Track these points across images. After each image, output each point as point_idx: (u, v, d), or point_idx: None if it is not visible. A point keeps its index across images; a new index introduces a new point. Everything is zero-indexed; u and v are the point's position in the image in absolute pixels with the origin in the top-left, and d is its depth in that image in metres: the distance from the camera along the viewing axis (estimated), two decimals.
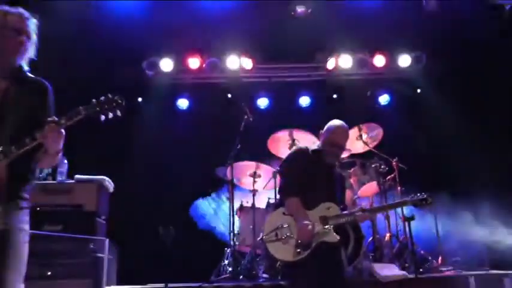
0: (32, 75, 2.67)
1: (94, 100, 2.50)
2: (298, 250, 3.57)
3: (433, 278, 5.06)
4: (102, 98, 2.53)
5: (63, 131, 2.45)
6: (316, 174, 3.91)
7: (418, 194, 3.93)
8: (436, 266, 5.54)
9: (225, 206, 6.62)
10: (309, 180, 3.84)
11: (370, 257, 5.31)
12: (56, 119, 2.43)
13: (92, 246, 4.59)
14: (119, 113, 2.54)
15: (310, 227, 3.61)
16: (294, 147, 4.30)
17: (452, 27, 6.65)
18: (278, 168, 4.13)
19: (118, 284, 5.34)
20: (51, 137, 2.41)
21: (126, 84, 7.37)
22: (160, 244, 4.84)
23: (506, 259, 5.69)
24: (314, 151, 4.03)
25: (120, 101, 2.53)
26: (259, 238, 3.70)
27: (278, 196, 3.97)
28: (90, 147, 6.87)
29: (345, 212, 3.88)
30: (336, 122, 4.04)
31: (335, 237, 3.67)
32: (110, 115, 2.52)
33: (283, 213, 3.76)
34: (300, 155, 4.04)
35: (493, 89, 7.39)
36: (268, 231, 3.70)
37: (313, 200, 3.79)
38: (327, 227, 3.69)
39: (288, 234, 3.65)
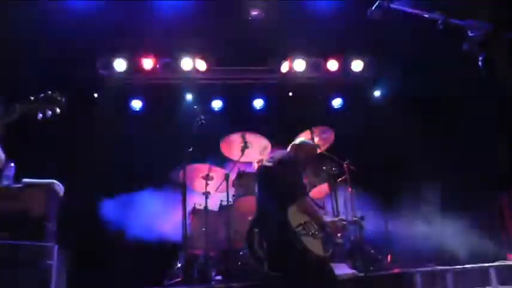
0: None
1: (32, 97, 2.42)
2: (326, 247, 3.72)
3: (382, 275, 5.21)
4: (41, 94, 2.44)
5: None
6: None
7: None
8: (386, 264, 5.71)
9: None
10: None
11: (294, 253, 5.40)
12: None
13: (40, 252, 4.44)
14: (58, 110, 2.47)
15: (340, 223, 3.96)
16: (291, 153, 4.34)
17: (399, 34, 6.85)
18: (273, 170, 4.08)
19: None
20: None
21: (79, 84, 7.20)
22: (112, 250, 4.76)
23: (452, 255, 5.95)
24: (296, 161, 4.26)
25: (59, 98, 2.46)
26: (292, 231, 3.62)
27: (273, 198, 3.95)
28: (39, 149, 6.65)
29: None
30: (306, 142, 4.52)
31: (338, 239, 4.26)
32: (48, 113, 2.44)
33: (299, 212, 3.79)
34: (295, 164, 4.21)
35: (443, 91, 7.66)
36: (296, 225, 3.67)
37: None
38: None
39: (314, 230, 3.73)
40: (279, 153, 4.29)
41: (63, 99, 2.48)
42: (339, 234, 4.10)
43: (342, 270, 4.95)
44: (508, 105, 1.81)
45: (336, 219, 4.11)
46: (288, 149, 4.38)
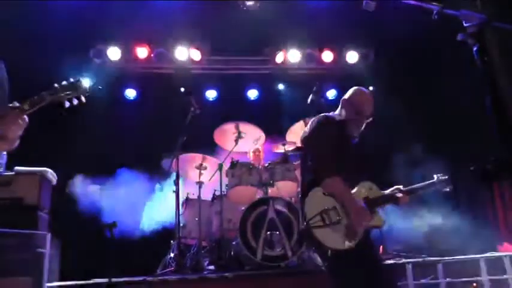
0: None
1: (56, 85, 2.39)
2: (350, 237, 3.03)
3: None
4: (65, 82, 2.40)
5: (26, 117, 2.36)
6: (349, 149, 3.37)
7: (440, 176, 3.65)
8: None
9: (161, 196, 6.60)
10: (344, 157, 3.24)
11: (314, 248, 5.43)
12: (18, 104, 2.33)
13: (33, 241, 4.44)
14: (83, 99, 2.43)
15: (367, 211, 3.12)
16: (319, 117, 3.43)
17: (394, 26, 6.84)
18: (305, 142, 3.37)
19: (61, 280, 5.18)
20: (14, 124, 2.32)
21: (72, 71, 7.12)
22: (104, 238, 4.74)
23: (442, 246, 5.99)
24: (340, 121, 3.44)
25: (85, 85, 2.42)
26: (303, 224, 3.10)
27: (309, 175, 3.30)
28: (32, 137, 6.59)
29: (387, 193, 3.41)
30: (360, 88, 3.52)
31: (380, 221, 3.23)
32: (75, 101, 2.42)
33: (324, 194, 3.15)
34: (329, 127, 3.37)
35: (435, 86, 7.69)
36: (312, 215, 3.10)
37: (350, 179, 3.22)
38: (376, 209, 3.23)
39: (338, 218, 3.08)
40: (321, 115, 3.47)
41: (90, 86, 2.45)
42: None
43: None
44: (499, 97, 1.81)
45: (393, 191, 3.43)
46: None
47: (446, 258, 4.94)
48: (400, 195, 3.40)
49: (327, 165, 3.18)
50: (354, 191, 3.23)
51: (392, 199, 3.39)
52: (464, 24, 1.97)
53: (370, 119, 3.47)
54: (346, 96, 3.50)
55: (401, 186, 3.46)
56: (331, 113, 3.48)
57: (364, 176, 3.33)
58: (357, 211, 3.07)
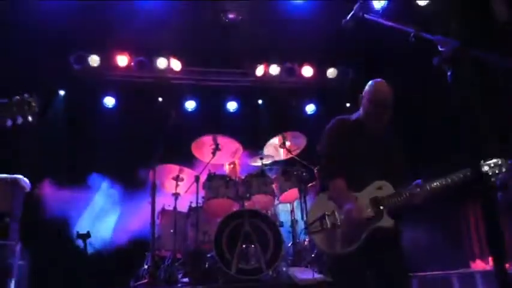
0: None
1: (6, 100, 2.26)
2: (347, 241, 3.00)
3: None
4: (15, 98, 2.25)
5: None
6: (363, 148, 3.25)
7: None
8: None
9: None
10: (354, 157, 3.21)
11: (289, 261, 5.44)
12: None
13: (2, 251, 4.33)
14: (30, 118, 2.26)
15: (356, 212, 2.99)
16: (333, 120, 3.44)
17: (375, 44, 6.95)
18: (317, 148, 3.36)
19: None
20: None
21: (51, 76, 7.06)
22: (77, 249, 4.66)
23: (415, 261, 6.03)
24: (356, 120, 3.38)
25: (33, 104, 2.27)
26: (303, 228, 3.32)
27: (320, 180, 3.51)
28: (4, 143, 6.48)
29: (400, 190, 3.14)
30: (374, 80, 3.39)
31: (389, 222, 3.03)
32: (19, 120, 2.26)
33: (329, 199, 3.17)
34: (340, 127, 3.37)
35: (414, 104, 7.78)
36: (312, 221, 3.14)
37: (361, 179, 3.16)
38: (381, 209, 3.06)
39: (333, 222, 3.08)
40: (334, 119, 3.46)
41: (37, 107, 2.27)
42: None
43: (309, 274, 4.97)
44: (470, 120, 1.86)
45: (410, 187, 3.12)
46: None
47: (420, 273, 4.99)
48: (416, 191, 3.08)
49: (328, 168, 3.25)
50: (361, 192, 3.13)
51: (402, 197, 3.09)
52: (440, 49, 2.01)
53: (390, 109, 3.28)
54: (363, 91, 3.40)
55: (419, 181, 3.13)
56: (352, 114, 3.45)
57: (375, 175, 3.17)
58: (345, 213, 3.00)
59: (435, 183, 3.10)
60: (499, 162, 3.02)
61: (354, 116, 3.40)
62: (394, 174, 3.19)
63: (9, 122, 2.24)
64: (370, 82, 3.37)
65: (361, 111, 3.36)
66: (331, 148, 3.29)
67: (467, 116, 1.93)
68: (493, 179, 3.01)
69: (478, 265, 5.93)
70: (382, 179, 3.16)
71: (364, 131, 3.29)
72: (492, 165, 3.01)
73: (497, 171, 3.01)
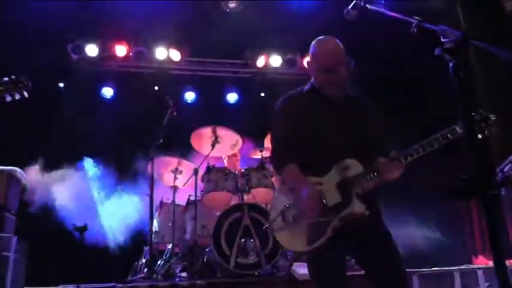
0: None
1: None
2: (313, 235, 2.54)
3: (349, 275, 5.18)
4: (6, 78, 2.45)
5: None
6: (322, 122, 2.73)
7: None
8: (353, 264, 5.70)
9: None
10: (313, 135, 2.70)
11: (289, 256, 5.37)
12: None
13: None
14: (25, 94, 2.46)
15: (313, 197, 2.55)
16: (280, 98, 2.95)
17: (376, 35, 6.84)
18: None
19: (26, 285, 5.00)
20: None
21: (49, 66, 6.98)
22: (74, 242, 4.61)
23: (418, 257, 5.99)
24: (309, 90, 2.88)
25: (26, 82, 2.46)
26: (264, 227, 2.88)
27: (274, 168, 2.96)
28: (2, 134, 6.42)
29: (370, 167, 2.61)
30: (319, 38, 2.89)
31: (360, 207, 2.54)
32: (17, 96, 2.44)
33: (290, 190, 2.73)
34: (289, 105, 2.87)
35: (414, 98, 7.69)
36: (275, 217, 2.69)
37: (325, 160, 2.65)
38: (349, 193, 2.57)
39: (295, 215, 2.62)
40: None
41: (30, 83, 2.48)
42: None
43: (306, 270, 4.89)
44: (472, 115, 1.79)
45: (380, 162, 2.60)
46: None
47: (422, 269, 4.92)
48: (388, 165, 2.58)
49: (278, 156, 2.82)
50: (326, 176, 2.64)
51: (373, 172, 2.59)
52: (442, 40, 1.94)
53: (344, 68, 2.81)
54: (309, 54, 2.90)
55: (393, 153, 2.63)
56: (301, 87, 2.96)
57: (340, 152, 2.66)
58: (303, 200, 2.57)
59: (412, 154, 2.59)
60: (489, 116, 2.51)
61: (306, 87, 2.90)
62: (369, 148, 2.70)
63: (8, 97, 2.45)
64: (313, 42, 2.87)
65: (311, 80, 2.90)
66: (280, 131, 2.82)
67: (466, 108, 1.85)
68: (480, 134, 2.57)
69: (481, 261, 5.86)
70: (353, 157, 2.64)
71: (321, 102, 2.78)
72: (479, 118, 2.51)
73: (484, 125, 2.51)
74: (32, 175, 6.17)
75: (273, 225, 2.69)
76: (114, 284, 4.67)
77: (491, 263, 5.49)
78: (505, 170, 4.94)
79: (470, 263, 5.73)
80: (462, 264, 5.02)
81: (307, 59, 2.94)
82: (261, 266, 4.84)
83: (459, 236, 6.62)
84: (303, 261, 5.27)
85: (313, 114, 2.75)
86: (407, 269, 4.90)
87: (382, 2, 2.53)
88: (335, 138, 2.68)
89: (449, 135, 2.58)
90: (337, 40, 2.86)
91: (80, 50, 7.88)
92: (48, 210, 6.24)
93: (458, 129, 2.56)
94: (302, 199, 2.58)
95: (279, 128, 2.83)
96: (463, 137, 2.16)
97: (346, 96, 2.86)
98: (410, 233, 6.46)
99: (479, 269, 4.79)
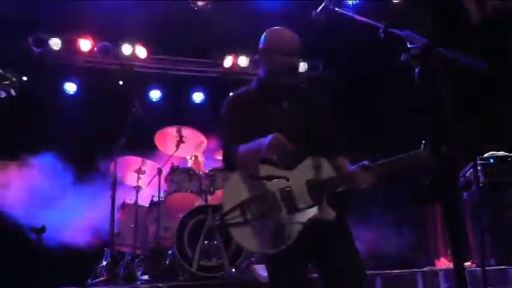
0: None
1: None
2: (279, 236, 2.32)
3: (312, 278, 5.18)
4: None
5: None
6: (274, 119, 2.57)
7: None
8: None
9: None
10: (266, 133, 2.42)
11: (252, 258, 5.34)
12: None
13: None
14: (12, 92, 2.36)
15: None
16: (224, 101, 2.78)
17: (345, 37, 6.87)
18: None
19: None
20: None
21: (7, 57, 6.72)
22: (32, 245, 4.43)
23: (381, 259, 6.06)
24: (258, 87, 2.73)
25: (13, 79, 2.36)
26: (216, 219, 2.59)
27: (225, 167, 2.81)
28: None
29: (342, 172, 2.53)
30: (271, 29, 2.77)
31: (330, 214, 2.39)
32: (2, 94, 2.34)
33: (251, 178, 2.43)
34: (235, 106, 2.71)
35: (383, 100, 7.75)
36: (231, 208, 2.36)
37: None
38: (321, 196, 2.40)
39: (257, 212, 2.35)
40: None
41: (17, 80, 2.37)
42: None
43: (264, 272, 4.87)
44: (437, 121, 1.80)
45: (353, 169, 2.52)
46: None
47: (385, 271, 4.97)
48: (360, 174, 2.48)
49: (227, 155, 2.62)
50: (294, 170, 2.44)
51: (348, 180, 2.50)
52: (408, 45, 1.95)
53: (298, 59, 2.76)
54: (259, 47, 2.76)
55: (366, 162, 2.53)
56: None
57: (304, 148, 2.49)
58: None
59: (384, 164, 2.53)
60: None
61: (253, 84, 2.75)
62: (323, 144, 2.58)
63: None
64: (267, 30, 2.76)
65: (260, 73, 2.76)
66: (228, 136, 2.64)
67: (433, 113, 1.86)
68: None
69: (442, 263, 5.98)
70: (314, 154, 2.48)
71: (271, 98, 2.64)
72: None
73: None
74: None
75: (227, 219, 2.35)
76: None
77: (451, 265, 5.62)
78: (467, 174, 5.05)
79: (434, 265, 5.83)
80: (425, 267, 5.10)
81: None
82: (224, 268, 4.79)
83: (424, 238, 6.73)
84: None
85: (263, 111, 2.61)
86: (371, 271, 5.00)
87: (351, 7, 2.54)
88: (289, 135, 2.41)
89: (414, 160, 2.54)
90: None
91: (43, 44, 7.60)
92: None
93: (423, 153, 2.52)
94: (267, 194, 2.37)
95: (229, 133, 2.65)
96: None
97: (297, 88, 2.76)
98: (375, 235, 6.53)
99: (440, 270, 4.87)
